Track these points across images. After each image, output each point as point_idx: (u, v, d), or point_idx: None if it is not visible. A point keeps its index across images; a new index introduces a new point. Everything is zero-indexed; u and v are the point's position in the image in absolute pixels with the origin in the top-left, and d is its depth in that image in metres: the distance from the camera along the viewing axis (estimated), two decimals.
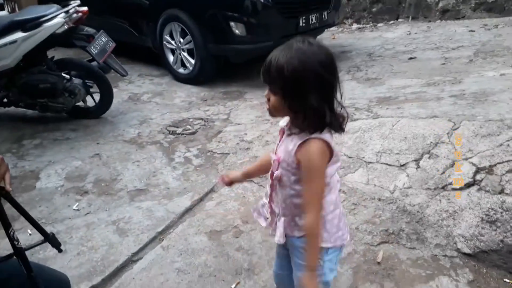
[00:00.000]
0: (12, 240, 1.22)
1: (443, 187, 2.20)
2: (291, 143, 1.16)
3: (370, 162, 2.52)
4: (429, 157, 2.38)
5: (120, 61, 3.71)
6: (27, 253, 1.30)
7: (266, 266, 1.95)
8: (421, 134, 2.55)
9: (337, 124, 1.15)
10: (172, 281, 1.89)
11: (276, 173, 1.23)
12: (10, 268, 1.51)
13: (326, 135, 1.13)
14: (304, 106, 1.09)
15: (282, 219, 1.29)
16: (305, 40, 1.10)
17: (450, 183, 2.19)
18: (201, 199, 2.50)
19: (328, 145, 1.13)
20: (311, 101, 1.07)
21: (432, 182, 2.24)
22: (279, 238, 1.30)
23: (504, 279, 1.84)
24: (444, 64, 4.17)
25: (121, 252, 2.08)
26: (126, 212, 2.39)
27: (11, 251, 1.29)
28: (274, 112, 1.16)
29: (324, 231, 1.24)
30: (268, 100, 1.14)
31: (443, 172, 2.26)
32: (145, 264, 1.99)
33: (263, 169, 1.43)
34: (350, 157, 2.61)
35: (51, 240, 1.45)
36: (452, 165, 2.28)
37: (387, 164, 2.47)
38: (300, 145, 1.13)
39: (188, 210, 2.40)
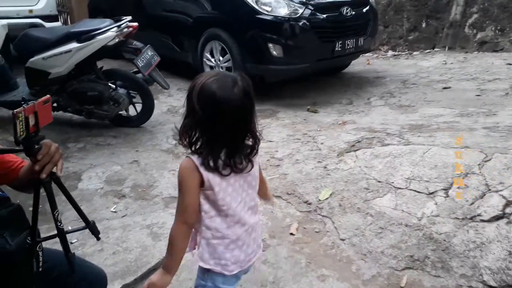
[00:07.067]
0: (56, 221, 1.30)
1: (471, 218, 2.21)
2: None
3: (399, 188, 2.56)
4: (458, 187, 2.40)
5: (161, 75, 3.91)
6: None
7: (290, 281, 2.02)
8: (451, 163, 2.57)
9: None
10: None
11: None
12: (54, 258, 1.65)
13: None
14: None
15: None
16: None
17: (479, 214, 2.20)
18: None
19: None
20: None
21: (460, 212, 2.26)
22: None
23: None
24: (479, 95, 4.16)
25: (153, 254, 2.19)
26: (160, 217, 2.52)
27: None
28: None
29: (205, 252, 1.33)
30: None
31: (472, 203, 2.28)
32: None
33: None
34: (379, 181, 2.65)
35: (92, 227, 1.49)
36: (482, 196, 2.29)
37: (416, 191, 2.50)
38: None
39: None
